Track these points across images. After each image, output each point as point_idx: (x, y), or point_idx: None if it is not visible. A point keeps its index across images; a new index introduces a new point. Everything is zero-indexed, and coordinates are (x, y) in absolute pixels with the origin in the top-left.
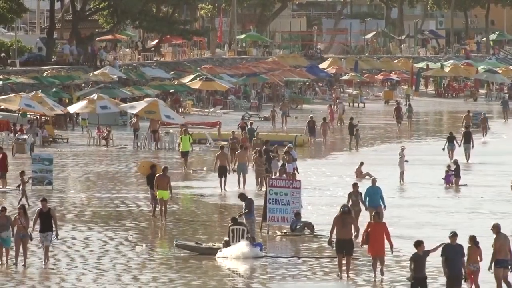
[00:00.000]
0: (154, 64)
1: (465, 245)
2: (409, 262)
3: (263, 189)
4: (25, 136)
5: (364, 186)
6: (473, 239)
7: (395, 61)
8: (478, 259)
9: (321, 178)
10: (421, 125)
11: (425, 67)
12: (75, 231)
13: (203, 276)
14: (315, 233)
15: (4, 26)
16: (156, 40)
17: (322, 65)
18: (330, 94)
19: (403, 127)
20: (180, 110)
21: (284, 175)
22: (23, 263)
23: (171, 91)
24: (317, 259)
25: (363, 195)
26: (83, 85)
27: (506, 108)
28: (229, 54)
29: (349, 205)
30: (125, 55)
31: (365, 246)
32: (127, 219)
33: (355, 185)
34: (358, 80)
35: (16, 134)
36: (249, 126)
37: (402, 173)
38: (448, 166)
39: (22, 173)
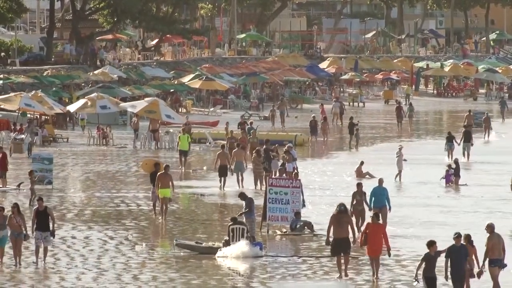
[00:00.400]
0: (154, 63)
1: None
2: (419, 261)
3: (263, 188)
4: (23, 136)
5: (364, 186)
6: (467, 238)
7: (395, 61)
8: (473, 258)
9: (321, 178)
10: (421, 125)
11: (425, 67)
12: (75, 230)
13: (203, 275)
14: (315, 233)
15: (4, 26)
16: (156, 40)
17: (322, 65)
18: (330, 94)
19: (404, 127)
20: (180, 110)
21: (284, 175)
22: (17, 263)
23: (171, 90)
24: (317, 258)
25: (367, 195)
26: (83, 84)
27: (504, 108)
28: (229, 54)
29: (353, 204)
30: (125, 54)
31: (364, 247)
32: (127, 219)
33: (359, 185)
34: (358, 79)
35: (14, 134)
36: (249, 126)
37: (400, 172)
38: (449, 166)
39: (31, 173)
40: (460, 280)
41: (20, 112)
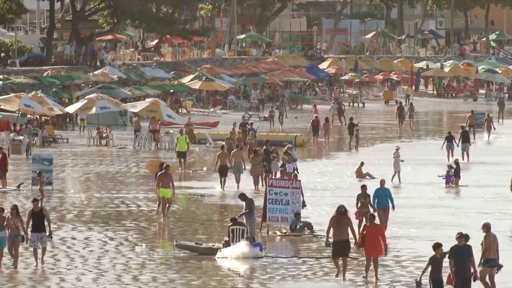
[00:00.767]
0: (154, 64)
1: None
2: (426, 264)
3: (262, 188)
4: (21, 137)
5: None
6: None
7: (395, 61)
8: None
9: (321, 178)
10: (421, 125)
11: (425, 67)
12: (75, 231)
13: (203, 276)
14: (315, 233)
15: (4, 26)
16: (156, 40)
17: (322, 65)
18: (330, 94)
19: (405, 127)
20: (180, 110)
21: (285, 176)
22: (14, 265)
23: (171, 91)
24: (316, 259)
25: (371, 197)
26: (83, 85)
27: (502, 109)
28: (229, 54)
29: (357, 207)
30: (125, 55)
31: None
32: (127, 219)
33: (363, 187)
34: (358, 80)
35: (12, 135)
36: (249, 126)
37: (396, 173)
38: (449, 166)
39: (40, 174)
40: (464, 281)
41: (20, 112)
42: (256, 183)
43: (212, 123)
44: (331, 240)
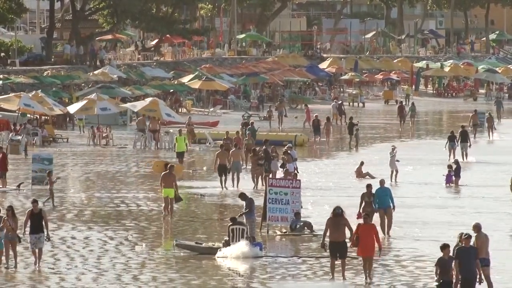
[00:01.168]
0: (154, 63)
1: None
2: (435, 267)
3: (261, 187)
4: (19, 137)
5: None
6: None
7: (395, 61)
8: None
9: (322, 178)
10: (421, 125)
11: (425, 67)
12: (75, 230)
13: (203, 275)
14: (314, 233)
15: (4, 26)
16: (156, 40)
17: (322, 65)
18: (329, 94)
19: (405, 127)
20: (180, 110)
21: (289, 176)
22: (14, 265)
23: (171, 91)
24: (316, 258)
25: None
26: (83, 85)
27: (500, 108)
28: (229, 54)
29: (361, 207)
30: (125, 55)
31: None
32: (127, 219)
33: (368, 186)
34: (358, 80)
35: (10, 135)
36: (250, 126)
37: (392, 172)
38: (449, 166)
39: (50, 174)
40: (470, 282)
41: (20, 112)
42: (254, 182)
43: (212, 122)
44: (327, 241)
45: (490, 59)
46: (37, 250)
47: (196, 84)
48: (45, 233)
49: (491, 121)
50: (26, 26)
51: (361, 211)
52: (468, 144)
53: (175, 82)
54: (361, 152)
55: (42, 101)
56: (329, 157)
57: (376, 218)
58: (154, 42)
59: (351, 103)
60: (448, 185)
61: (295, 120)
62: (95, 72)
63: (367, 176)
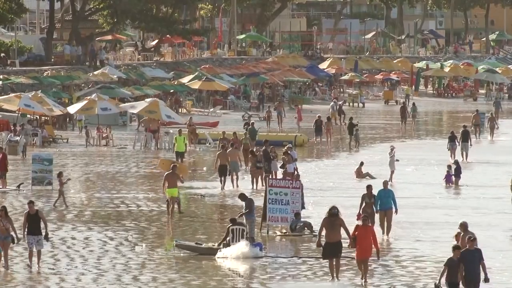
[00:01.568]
0: (154, 64)
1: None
2: (442, 267)
3: (261, 188)
4: (17, 138)
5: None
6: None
7: (394, 61)
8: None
9: (322, 178)
10: (422, 125)
11: (425, 67)
12: (75, 231)
13: (203, 276)
14: (314, 233)
15: (4, 26)
16: (156, 40)
17: (322, 65)
18: (329, 94)
19: (407, 127)
20: (180, 111)
21: (288, 177)
22: (5, 266)
23: (171, 91)
24: (316, 259)
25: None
26: (82, 85)
27: (498, 109)
28: (229, 54)
29: (362, 208)
30: (125, 55)
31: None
32: (127, 219)
33: (369, 187)
34: (358, 80)
35: (8, 136)
36: (250, 126)
37: (392, 173)
38: (449, 166)
39: (60, 174)
40: (474, 285)
41: (20, 112)
42: (253, 182)
43: (212, 123)
44: (323, 241)
45: (490, 59)
46: (35, 252)
47: (196, 85)
48: (44, 233)
49: (493, 121)
50: (26, 26)
51: (361, 212)
52: (469, 144)
53: (175, 83)
54: (361, 152)
55: (42, 102)
56: (329, 157)
57: (375, 218)
58: (154, 43)
59: (351, 104)
60: (448, 185)
61: (294, 120)
62: (95, 72)
63: (367, 177)
